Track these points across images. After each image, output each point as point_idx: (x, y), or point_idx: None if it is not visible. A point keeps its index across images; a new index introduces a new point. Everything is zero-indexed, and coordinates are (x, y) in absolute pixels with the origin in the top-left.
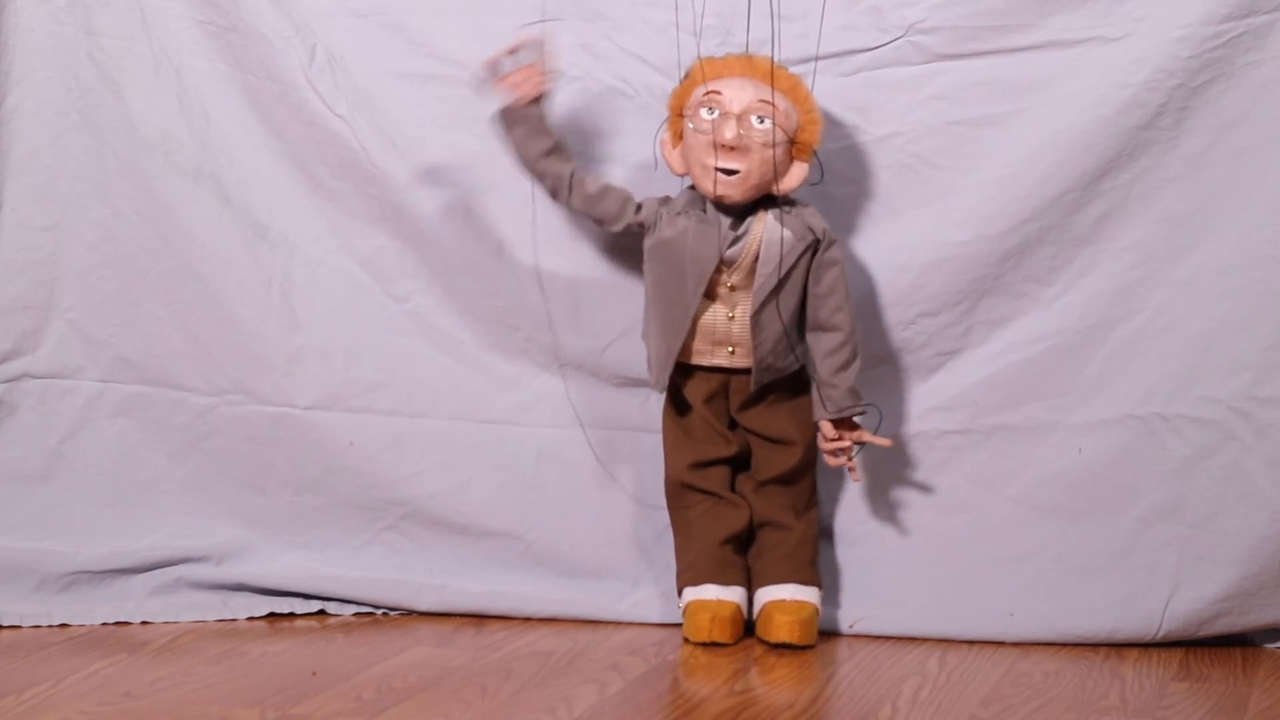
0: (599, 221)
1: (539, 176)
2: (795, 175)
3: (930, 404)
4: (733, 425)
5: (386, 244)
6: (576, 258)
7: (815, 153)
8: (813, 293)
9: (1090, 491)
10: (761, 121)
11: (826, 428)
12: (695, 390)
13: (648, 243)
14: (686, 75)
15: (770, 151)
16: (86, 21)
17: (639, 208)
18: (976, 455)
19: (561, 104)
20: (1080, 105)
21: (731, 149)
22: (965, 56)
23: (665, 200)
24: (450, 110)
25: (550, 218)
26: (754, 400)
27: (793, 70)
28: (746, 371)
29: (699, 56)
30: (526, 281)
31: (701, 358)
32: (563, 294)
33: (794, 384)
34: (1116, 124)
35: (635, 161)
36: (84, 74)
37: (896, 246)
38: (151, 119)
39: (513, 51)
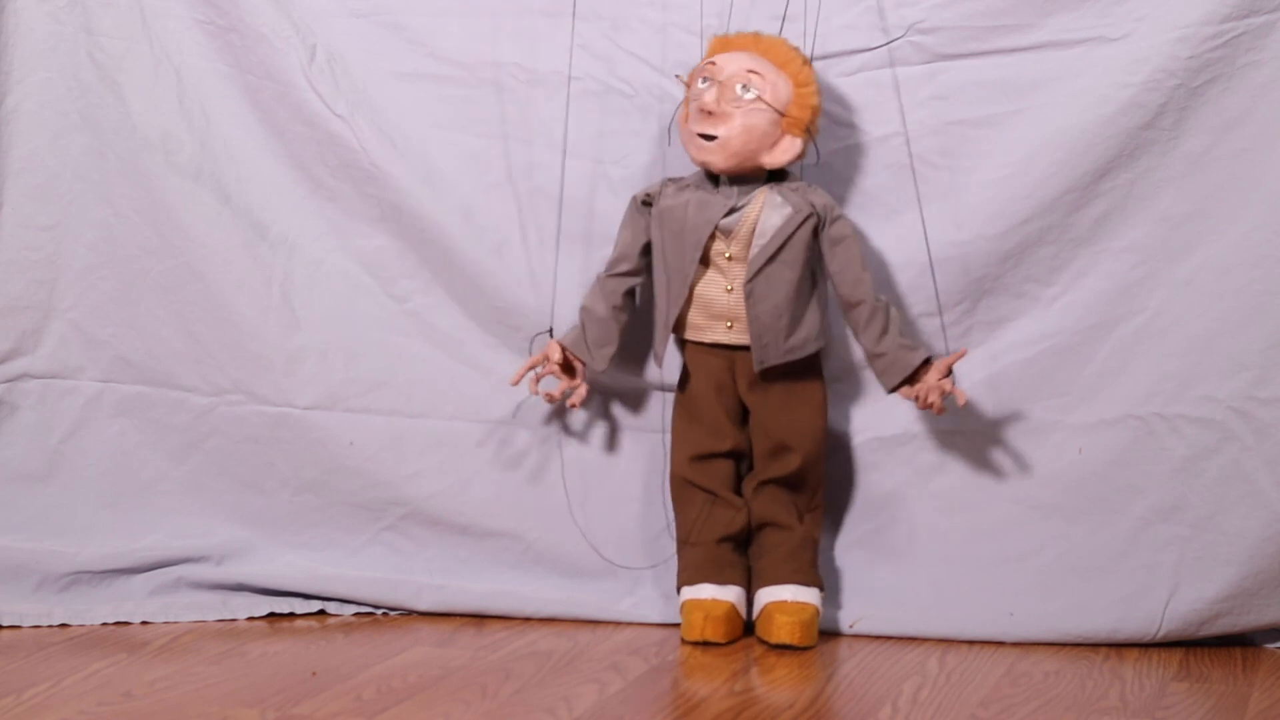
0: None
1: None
2: (784, 148)
3: None
4: (744, 421)
5: (386, 244)
6: (578, 258)
7: (810, 132)
8: (830, 272)
9: (1090, 491)
10: (746, 90)
11: (907, 394)
12: (700, 370)
13: (654, 211)
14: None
15: (752, 120)
16: (86, 21)
17: (644, 200)
18: (976, 455)
19: (561, 104)
20: (1080, 105)
21: (710, 114)
22: (965, 56)
23: (674, 179)
24: (450, 110)
25: (550, 217)
26: (763, 384)
27: None
28: (749, 349)
29: (714, 35)
30: (526, 281)
31: (700, 333)
32: (565, 294)
33: (804, 385)
34: (1116, 124)
35: (635, 161)
36: (84, 74)
37: (896, 246)
38: (151, 119)
39: (539, 370)
